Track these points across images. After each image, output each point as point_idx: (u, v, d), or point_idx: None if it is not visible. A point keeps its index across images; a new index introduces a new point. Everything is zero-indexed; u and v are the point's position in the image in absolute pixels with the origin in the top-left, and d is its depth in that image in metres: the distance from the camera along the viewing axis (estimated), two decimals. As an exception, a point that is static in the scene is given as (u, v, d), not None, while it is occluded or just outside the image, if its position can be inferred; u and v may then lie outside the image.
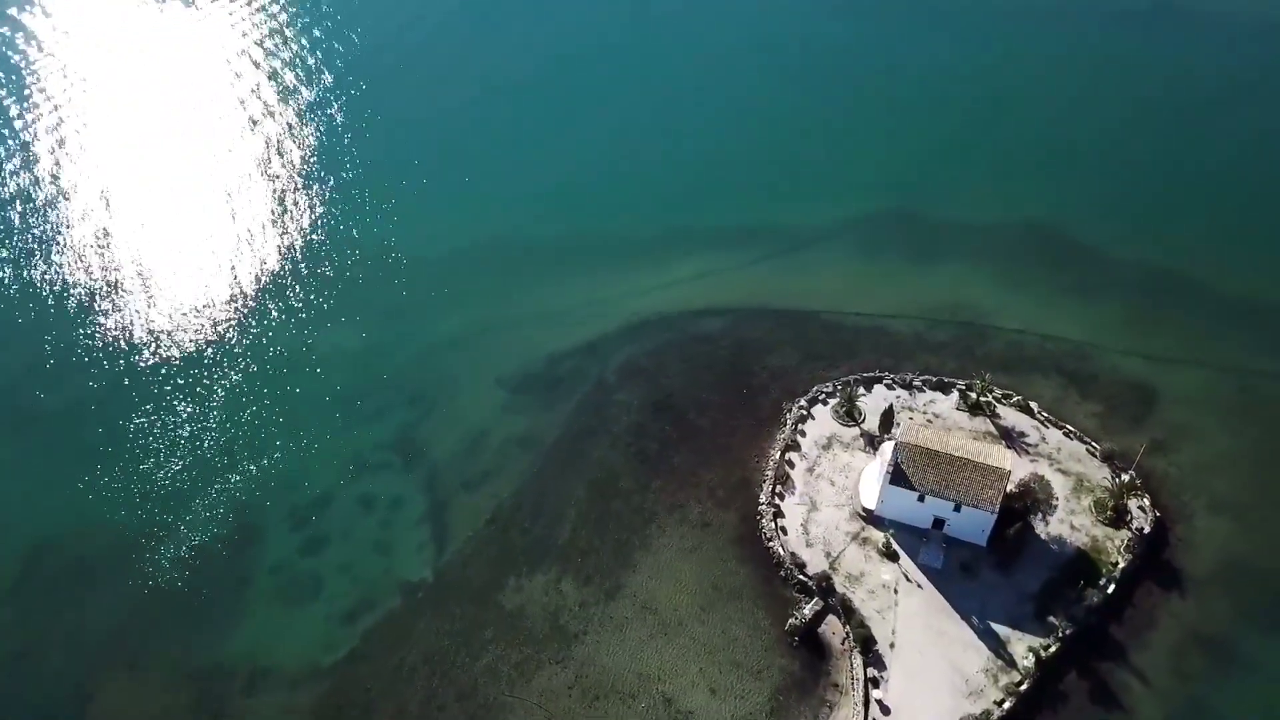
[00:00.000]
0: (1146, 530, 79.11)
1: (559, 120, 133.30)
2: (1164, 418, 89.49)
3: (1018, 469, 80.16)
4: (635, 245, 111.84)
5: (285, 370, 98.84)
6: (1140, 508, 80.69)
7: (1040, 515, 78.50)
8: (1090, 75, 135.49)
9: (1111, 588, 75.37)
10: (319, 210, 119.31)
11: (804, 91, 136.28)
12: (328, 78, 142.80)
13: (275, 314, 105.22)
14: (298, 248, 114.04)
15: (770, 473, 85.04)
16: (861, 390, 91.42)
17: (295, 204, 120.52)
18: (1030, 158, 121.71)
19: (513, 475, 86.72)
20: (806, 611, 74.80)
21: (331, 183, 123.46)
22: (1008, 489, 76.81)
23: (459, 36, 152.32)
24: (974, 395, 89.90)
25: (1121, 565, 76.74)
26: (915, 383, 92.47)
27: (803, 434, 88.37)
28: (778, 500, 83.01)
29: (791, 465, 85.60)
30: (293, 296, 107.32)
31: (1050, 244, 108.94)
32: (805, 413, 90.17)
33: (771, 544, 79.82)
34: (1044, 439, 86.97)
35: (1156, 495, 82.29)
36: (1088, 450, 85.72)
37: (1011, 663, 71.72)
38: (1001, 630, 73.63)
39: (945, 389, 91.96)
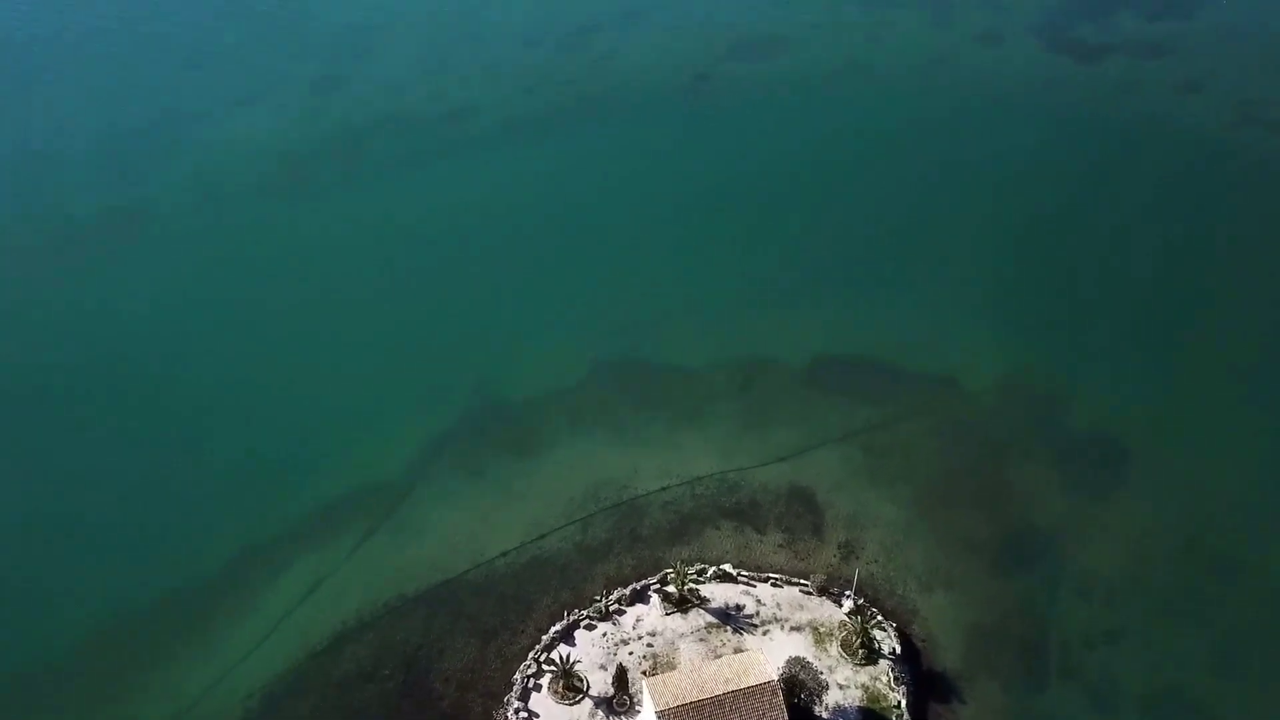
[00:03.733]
0: (898, 650, 77.44)
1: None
2: (835, 516, 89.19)
3: (771, 661, 73.30)
4: (202, 595, 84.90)
5: None
6: (879, 627, 78.90)
7: (819, 700, 72.52)
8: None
9: (911, 733, 72.46)
10: None
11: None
12: None
13: None
14: None
15: (534, 822, 68.36)
16: (564, 648, 77.94)
17: None
18: (566, 293, 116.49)
19: None
20: None
21: None
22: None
23: None
24: (674, 590, 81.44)
25: (904, 703, 73.98)
26: (611, 607, 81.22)
27: (537, 742, 72.76)
28: None
29: (551, 795, 69.73)
30: None
31: (628, 380, 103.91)
32: (524, 712, 74.39)
33: None
34: (759, 601, 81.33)
35: (880, 604, 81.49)
36: (802, 591, 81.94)
37: None
38: None
39: (643, 597, 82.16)
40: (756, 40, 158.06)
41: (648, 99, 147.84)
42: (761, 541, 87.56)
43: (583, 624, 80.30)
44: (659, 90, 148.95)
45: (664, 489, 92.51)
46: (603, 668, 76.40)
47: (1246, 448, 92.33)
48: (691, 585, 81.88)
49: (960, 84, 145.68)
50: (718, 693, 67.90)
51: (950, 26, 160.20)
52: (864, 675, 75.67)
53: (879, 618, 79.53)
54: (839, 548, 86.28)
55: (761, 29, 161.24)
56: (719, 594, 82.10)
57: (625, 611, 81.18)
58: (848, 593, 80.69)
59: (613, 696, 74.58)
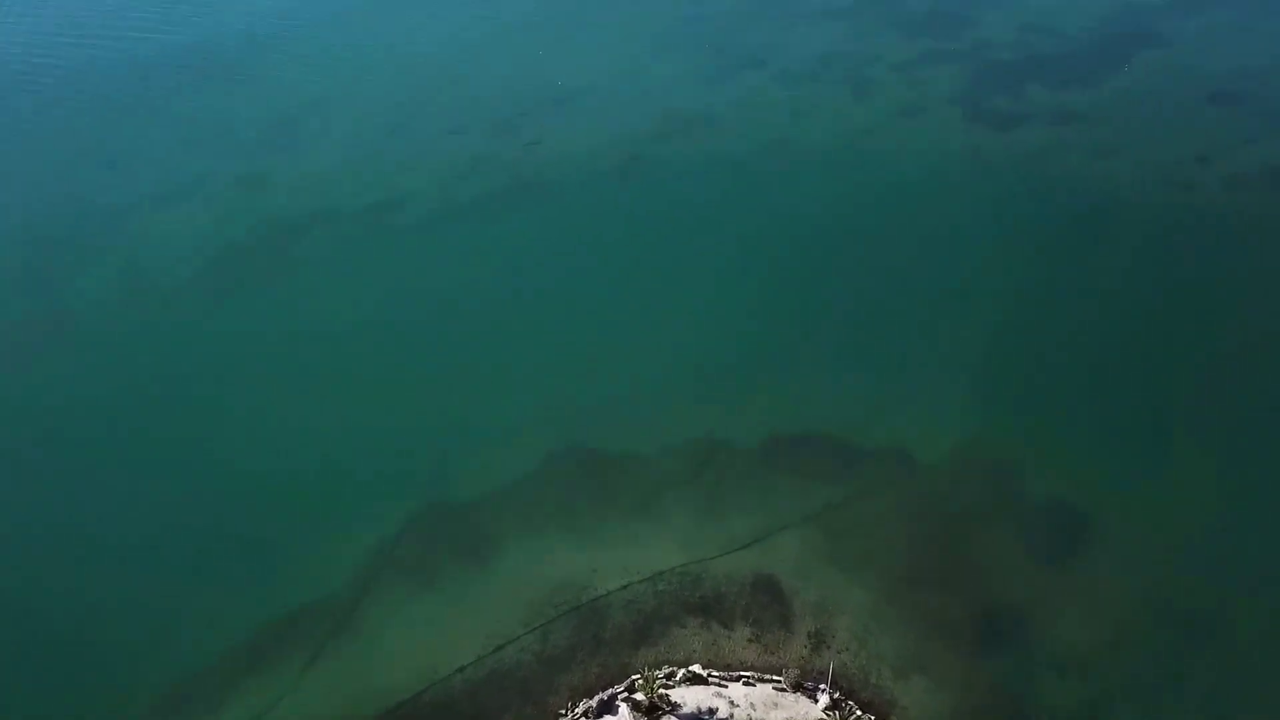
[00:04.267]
0: (880, 745, 74.85)
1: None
2: (802, 605, 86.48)
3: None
4: None
5: None
6: (857, 721, 76.27)
7: (804, 809, 69.29)
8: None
9: (902, 837, 69.34)
10: None
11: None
12: None
13: None
14: None
15: None
16: (532, 771, 73.55)
17: None
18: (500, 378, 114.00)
19: None
20: None
21: None
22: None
23: None
24: (643, 698, 77.60)
25: (891, 803, 71.21)
26: (577, 720, 77.34)
27: None
28: None
29: None
30: None
31: (580, 471, 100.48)
32: (492, 847, 69.46)
33: None
34: (733, 703, 77.86)
35: (856, 696, 78.66)
36: (775, 688, 78.80)
37: None
38: None
39: (611, 707, 78.14)
40: (685, 120, 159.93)
41: (581, 181, 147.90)
42: (729, 637, 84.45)
43: (549, 742, 76.18)
44: (592, 172, 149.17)
45: (625, 587, 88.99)
46: (574, 789, 72.20)
47: (1204, 507, 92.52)
48: (661, 690, 78.24)
49: (887, 155, 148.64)
50: (699, 812, 64.40)
51: (871, 101, 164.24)
52: (847, 776, 72.82)
53: (857, 711, 76.67)
54: (809, 637, 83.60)
55: (689, 109, 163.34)
56: (690, 698, 78.43)
57: (592, 725, 77.32)
58: (822, 686, 77.96)
59: (586, 821, 70.44)
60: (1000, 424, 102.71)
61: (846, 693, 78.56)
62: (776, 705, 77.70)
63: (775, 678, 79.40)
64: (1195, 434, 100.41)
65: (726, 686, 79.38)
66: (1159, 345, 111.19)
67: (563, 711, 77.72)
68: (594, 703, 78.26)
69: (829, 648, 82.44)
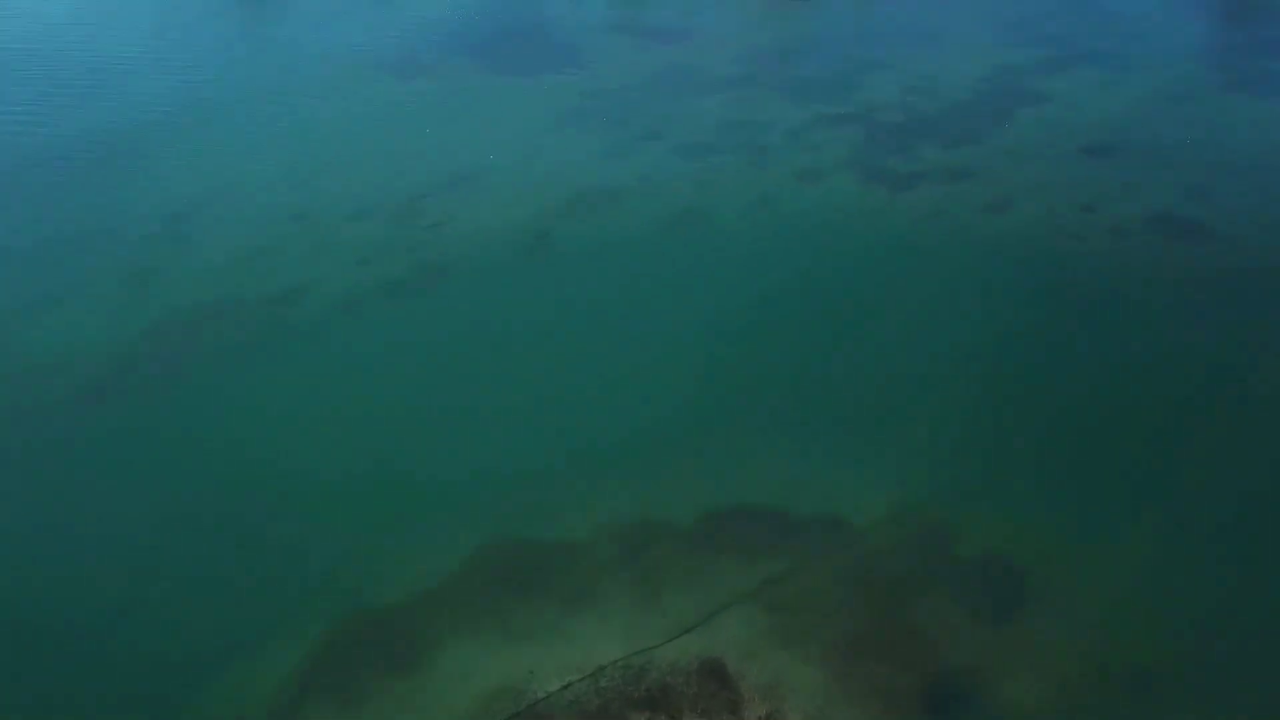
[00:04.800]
0: (845, 835, 72.09)
1: None
2: (750, 689, 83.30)
3: None
4: None
5: None
6: (820, 812, 73.45)
7: None
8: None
9: None
10: None
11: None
12: None
13: None
14: None
15: None
16: None
17: None
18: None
19: None
20: None
21: None
22: None
23: None
24: (595, 808, 73.55)
25: None
26: (527, 840, 72.38)
27: None
28: None
29: None
30: None
31: (508, 564, 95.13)
32: None
33: None
34: (690, 804, 74.71)
35: (815, 783, 76.39)
36: (732, 783, 76.00)
37: None
38: None
39: (561, 823, 73.79)
40: (591, 195, 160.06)
41: (490, 261, 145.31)
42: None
43: None
44: (500, 252, 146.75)
45: (566, 687, 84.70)
46: None
47: (1135, 559, 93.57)
48: (613, 799, 74.34)
49: (791, 219, 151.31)
50: None
51: (770, 168, 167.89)
52: None
53: (818, 800, 74.26)
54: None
55: (594, 184, 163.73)
56: (645, 803, 74.80)
57: (544, 844, 72.50)
58: (781, 777, 75.29)
59: None
60: (926, 486, 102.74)
61: (805, 780, 76.08)
62: (735, 802, 74.55)
63: (731, 771, 76.38)
64: (1122, 488, 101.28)
65: (682, 786, 75.98)
66: (1085, 399, 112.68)
67: (510, 833, 72.90)
68: (543, 820, 73.71)
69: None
